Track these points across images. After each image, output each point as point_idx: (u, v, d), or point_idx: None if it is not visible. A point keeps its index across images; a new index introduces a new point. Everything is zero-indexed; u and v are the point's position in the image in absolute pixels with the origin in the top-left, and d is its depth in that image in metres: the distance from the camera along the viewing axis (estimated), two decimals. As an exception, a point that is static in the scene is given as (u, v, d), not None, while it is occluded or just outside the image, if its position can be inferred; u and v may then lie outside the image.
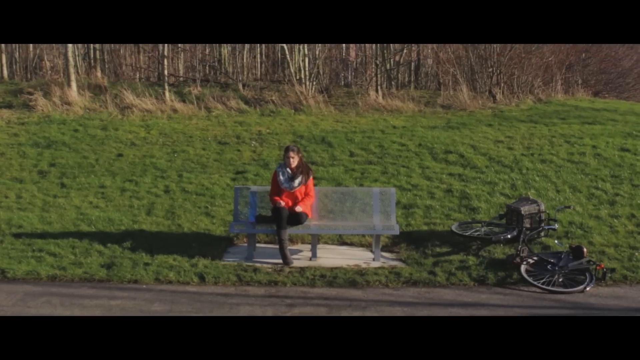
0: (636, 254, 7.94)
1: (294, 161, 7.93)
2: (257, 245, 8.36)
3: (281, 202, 7.82)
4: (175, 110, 13.91)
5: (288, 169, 7.96)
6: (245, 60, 18.42)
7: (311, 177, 8.07)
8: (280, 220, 7.71)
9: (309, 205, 8.02)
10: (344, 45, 19.50)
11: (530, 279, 7.27)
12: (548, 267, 7.44)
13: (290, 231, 7.88)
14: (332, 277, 7.35)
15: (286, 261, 7.67)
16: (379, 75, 16.92)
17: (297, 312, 6.35)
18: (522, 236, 7.90)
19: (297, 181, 7.92)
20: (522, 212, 8.13)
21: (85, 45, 18.19)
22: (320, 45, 16.62)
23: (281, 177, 7.96)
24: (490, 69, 16.01)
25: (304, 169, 8.00)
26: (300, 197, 7.96)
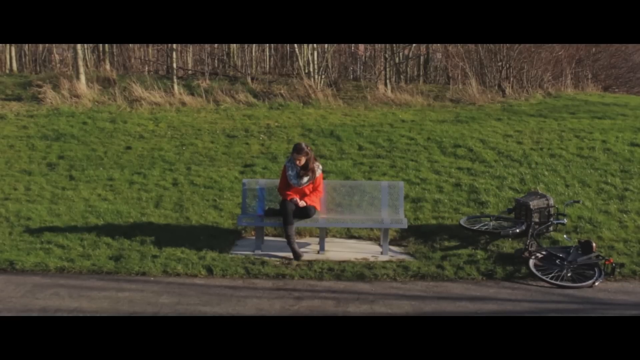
0: (646, 249, 7.90)
1: (301, 161, 7.92)
2: (265, 238, 8.36)
3: (288, 196, 7.82)
4: (183, 104, 13.93)
5: (297, 166, 7.98)
6: (254, 54, 18.42)
7: (320, 173, 8.05)
8: (287, 215, 7.70)
9: (317, 200, 8.01)
10: (352, 39, 19.45)
11: (538, 274, 7.24)
12: (557, 261, 7.42)
13: (298, 224, 7.88)
14: (340, 270, 7.35)
15: (296, 256, 7.66)
16: (387, 69, 16.87)
17: (304, 305, 6.35)
18: (530, 230, 7.87)
19: (305, 179, 7.92)
20: (531, 207, 8.11)
21: (94, 38, 18.22)
22: (328, 39, 16.58)
23: (290, 173, 7.96)
24: (500, 63, 15.94)
25: (313, 166, 7.99)
26: (308, 192, 7.96)
